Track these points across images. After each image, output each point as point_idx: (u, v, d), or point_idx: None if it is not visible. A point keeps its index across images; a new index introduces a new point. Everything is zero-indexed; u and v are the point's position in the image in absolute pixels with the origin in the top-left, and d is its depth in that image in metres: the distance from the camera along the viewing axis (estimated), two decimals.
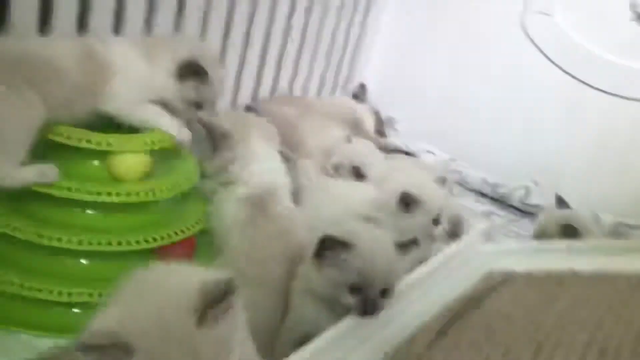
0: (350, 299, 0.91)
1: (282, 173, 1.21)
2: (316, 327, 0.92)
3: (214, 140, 1.16)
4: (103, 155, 1.08)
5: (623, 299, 0.88)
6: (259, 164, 1.16)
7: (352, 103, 2.27)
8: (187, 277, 0.64)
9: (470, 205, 2.08)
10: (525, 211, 2.10)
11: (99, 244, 1.05)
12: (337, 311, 0.92)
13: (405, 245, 0.99)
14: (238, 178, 1.15)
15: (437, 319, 0.88)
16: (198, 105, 1.20)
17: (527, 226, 1.99)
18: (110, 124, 1.13)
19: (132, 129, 1.13)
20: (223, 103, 1.80)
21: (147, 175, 1.11)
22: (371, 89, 2.44)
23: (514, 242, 1.41)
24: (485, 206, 2.11)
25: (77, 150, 1.06)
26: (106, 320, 0.60)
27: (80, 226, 1.07)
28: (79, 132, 1.06)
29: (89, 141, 1.06)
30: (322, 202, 1.53)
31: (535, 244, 1.28)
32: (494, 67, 2.24)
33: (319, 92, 2.33)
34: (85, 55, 1.10)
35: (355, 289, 0.91)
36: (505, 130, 2.25)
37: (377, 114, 2.37)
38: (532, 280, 1.01)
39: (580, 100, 2.10)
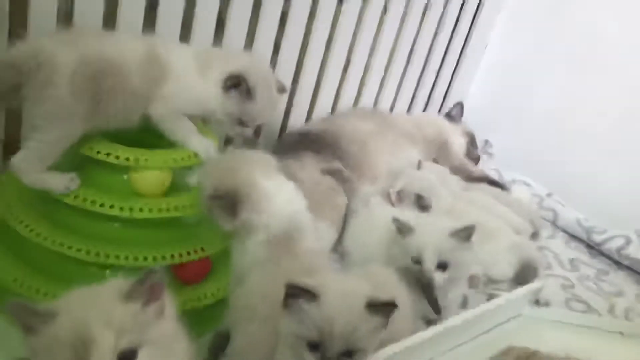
0: (309, 357, 0.84)
1: (301, 203, 1.12)
2: None
3: (227, 208, 1.05)
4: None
5: None
6: (277, 202, 1.07)
7: (442, 123, 2.15)
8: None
9: (556, 249, 1.89)
10: (620, 263, 1.87)
11: (116, 257, 1.07)
12: None
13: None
14: (257, 225, 1.06)
15: None
16: (241, 122, 1.20)
17: (616, 280, 1.78)
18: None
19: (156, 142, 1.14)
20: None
21: (166, 191, 1.11)
22: (469, 109, 2.29)
23: (563, 312, 1.24)
24: (574, 252, 1.90)
25: (106, 163, 1.08)
26: None
27: (105, 238, 1.09)
28: (106, 146, 1.08)
29: (117, 157, 1.07)
30: (363, 229, 1.47)
31: (582, 318, 1.11)
32: (614, 93, 2.00)
33: (410, 107, 2.23)
34: (148, 58, 1.11)
35: (313, 346, 0.84)
36: (616, 168, 2.01)
37: (471, 136, 2.23)
38: None
39: None
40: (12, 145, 1.28)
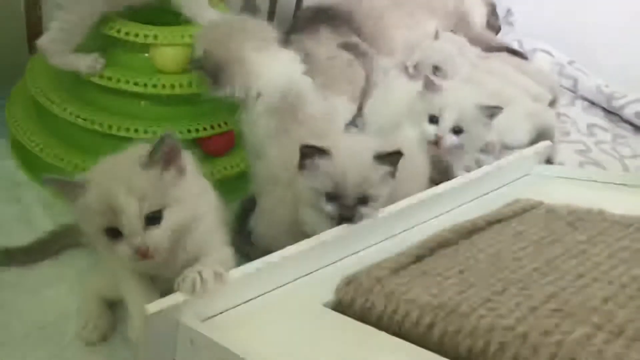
0: (328, 207, 0.92)
1: (298, 72, 1.14)
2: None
3: (211, 77, 1.09)
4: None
5: (630, 252, 0.79)
6: (267, 73, 1.09)
7: None
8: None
9: (575, 115, 1.90)
10: (639, 127, 1.88)
11: (145, 132, 1.13)
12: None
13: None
14: (254, 94, 1.09)
15: (421, 243, 0.86)
16: None
17: (634, 144, 1.80)
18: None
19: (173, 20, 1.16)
20: None
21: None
22: None
23: (569, 169, 1.28)
24: (593, 118, 1.91)
25: (127, 42, 1.12)
26: None
27: (131, 114, 1.16)
28: (127, 26, 1.11)
29: (136, 35, 1.11)
30: (381, 102, 1.49)
31: (588, 174, 1.16)
32: None
33: None
34: None
35: (331, 197, 0.92)
36: (637, 34, 1.96)
37: (492, 5, 2.17)
38: (550, 215, 0.94)
39: None
40: (34, 29, 1.33)
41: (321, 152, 0.90)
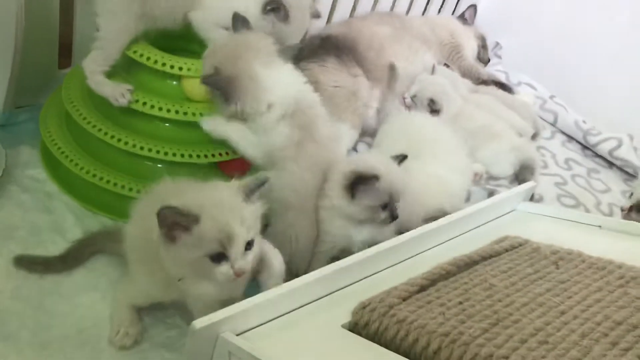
0: (383, 214, 1.18)
1: (304, 83, 1.23)
2: (346, 240, 1.21)
3: (222, 93, 1.16)
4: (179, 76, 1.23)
5: (604, 293, 0.93)
6: (276, 85, 1.17)
7: (455, 25, 2.23)
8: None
9: (554, 149, 2.06)
10: (612, 163, 2.04)
11: (173, 154, 1.23)
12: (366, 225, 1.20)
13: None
14: (264, 107, 1.17)
15: (426, 274, 0.98)
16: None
17: (606, 179, 1.96)
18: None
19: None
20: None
21: None
22: (482, 11, 2.36)
23: (550, 208, 1.43)
24: (570, 152, 2.07)
25: (158, 70, 1.22)
26: None
27: (156, 136, 1.25)
28: (160, 56, 1.21)
29: (171, 66, 1.21)
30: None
31: (567, 214, 1.30)
32: (615, 5, 2.09)
33: (425, 10, 2.30)
34: None
35: (384, 206, 1.17)
36: (614, 76, 2.13)
37: (482, 39, 2.32)
38: (536, 254, 1.07)
39: None
40: (65, 47, 1.42)
41: (374, 177, 1.13)
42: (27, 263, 1.08)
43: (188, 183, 1.01)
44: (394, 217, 1.18)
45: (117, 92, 1.20)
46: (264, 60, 1.18)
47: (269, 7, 1.24)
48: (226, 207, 0.89)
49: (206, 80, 1.16)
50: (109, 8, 1.18)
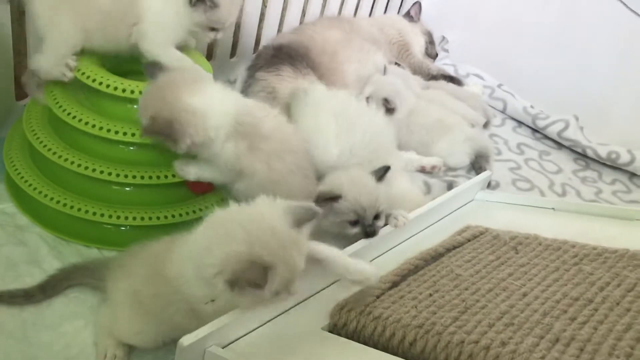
0: (353, 230, 1.17)
1: (236, 101, 1.22)
2: None
3: (167, 137, 1.13)
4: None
5: (560, 272, 1.00)
6: (212, 118, 1.15)
7: (402, 23, 2.31)
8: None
9: (506, 135, 2.14)
10: (561, 144, 2.14)
11: (141, 177, 1.26)
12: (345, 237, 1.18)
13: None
14: (211, 133, 1.16)
15: (396, 270, 1.04)
16: (212, 29, 1.34)
17: (559, 159, 2.06)
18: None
19: None
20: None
21: None
22: (426, 8, 2.44)
23: (506, 195, 1.50)
24: (521, 137, 2.16)
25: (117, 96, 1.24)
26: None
27: (123, 160, 1.27)
28: (119, 81, 1.24)
29: (123, 90, 1.23)
30: None
31: (522, 199, 1.38)
32: None
33: (372, 11, 2.37)
34: None
35: (353, 222, 1.16)
36: (557, 61, 2.24)
37: (429, 35, 2.40)
38: (496, 241, 1.14)
39: (636, 36, 2.04)
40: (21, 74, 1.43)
41: (335, 197, 1.13)
42: (7, 297, 1.09)
43: (184, 238, 0.96)
44: (368, 233, 1.15)
45: (63, 68, 1.26)
46: (191, 89, 1.16)
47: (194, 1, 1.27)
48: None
49: (147, 131, 1.12)
50: (52, 31, 1.25)
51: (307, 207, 0.91)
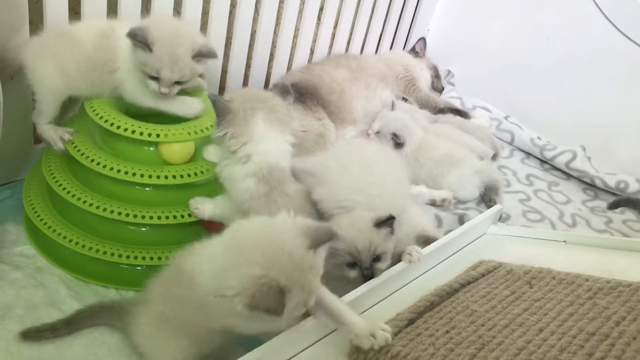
0: (351, 273, 1.15)
1: (285, 157, 1.26)
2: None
3: (216, 113, 1.21)
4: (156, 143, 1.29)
5: (575, 306, 1.01)
6: (259, 145, 1.21)
7: (408, 59, 2.35)
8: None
9: (514, 167, 2.16)
10: (569, 175, 2.16)
11: (158, 217, 1.28)
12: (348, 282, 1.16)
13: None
14: (240, 154, 1.21)
15: (412, 308, 1.05)
16: (152, 77, 1.25)
17: (568, 189, 2.07)
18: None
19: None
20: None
21: (191, 157, 1.32)
22: (431, 43, 2.49)
23: (518, 229, 1.52)
24: (529, 168, 2.18)
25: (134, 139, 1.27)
26: None
27: (139, 201, 1.30)
28: (137, 125, 1.27)
29: (141, 133, 1.26)
30: None
31: (534, 232, 1.39)
32: (556, 27, 2.22)
33: (378, 47, 2.41)
34: (102, 34, 1.29)
35: (352, 265, 1.15)
36: (561, 92, 2.26)
37: (435, 69, 2.44)
38: (510, 275, 1.15)
39: (639, 67, 2.07)
40: None
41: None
42: (35, 334, 1.12)
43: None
44: (365, 276, 1.14)
45: (56, 136, 1.30)
46: (267, 117, 1.22)
47: (129, 38, 1.22)
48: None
49: (212, 97, 1.20)
50: (38, 80, 1.30)
51: (325, 228, 0.93)
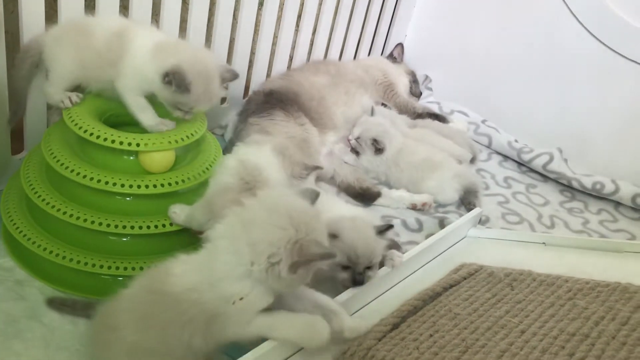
0: (342, 275, 1.16)
1: (271, 166, 1.24)
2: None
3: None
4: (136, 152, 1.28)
5: (556, 307, 1.03)
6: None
7: (386, 65, 2.36)
8: None
9: (492, 170, 2.19)
10: (546, 177, 2.19)
11: (139, 227, 1.27)
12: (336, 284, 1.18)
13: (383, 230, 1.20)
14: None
15: (396, 312, 1.06)
16: (179, 109, 1.31)
17: (545, 191, 2.10)
18: None
19: None
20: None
21: (172, 166, 1.32)
22: (409, 48, 2.51)
23: (498, 231, 1.54)
24: (507, 171, 2.21)
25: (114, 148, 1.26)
26: None
27: (120, 211, 1.29)
28: (112, 133, 1.26)
29: (121, 143, 1.26)
30: None
31: (514, 235, 1.41)
32: (530, 32, 2.26)
33: (357, 53, 2.43)
34: (116, 32, 1.31)
35: (345, 267, 1.16)
36: (537, 95, 2.30)
37: (413, 74, 2.46)
38: (491, 278, 1.17)
39: (613, 71, 2.11)
40: (16, 132, 1.45)
41: (331, 235, 1.11)
42: (58, 304, 1.20)
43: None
44: (356, 281, 1.14)
45: (65, 96, 1.33)
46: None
47: (166, 79, 1.25)
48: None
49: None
50: (49, 52, 1.33)
51: (310, 190, 1.02)
